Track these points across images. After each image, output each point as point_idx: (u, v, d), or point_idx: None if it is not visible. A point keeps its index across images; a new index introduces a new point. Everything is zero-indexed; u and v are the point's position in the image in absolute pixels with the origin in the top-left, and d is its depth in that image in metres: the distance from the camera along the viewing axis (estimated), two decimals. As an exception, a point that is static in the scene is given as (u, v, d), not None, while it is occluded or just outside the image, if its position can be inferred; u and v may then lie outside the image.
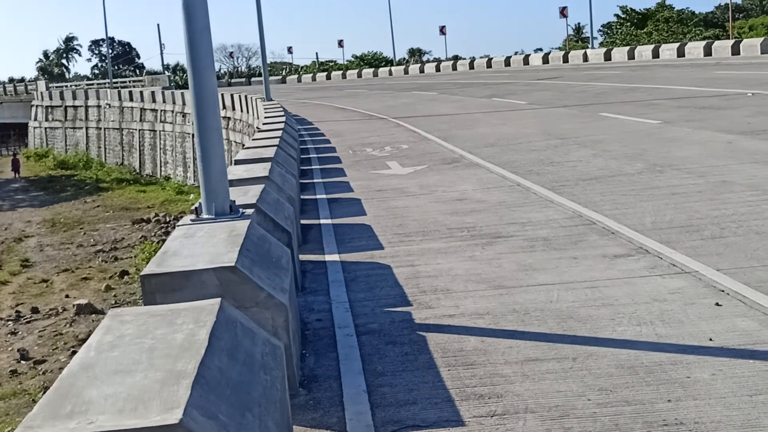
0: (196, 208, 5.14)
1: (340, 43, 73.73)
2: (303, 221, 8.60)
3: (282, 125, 13.85)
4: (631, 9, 63.62)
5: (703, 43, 41.13)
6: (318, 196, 10.35)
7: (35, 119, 62.33)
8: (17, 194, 44.20)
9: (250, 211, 5.34)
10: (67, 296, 20.76)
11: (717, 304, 4.94)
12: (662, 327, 4.66)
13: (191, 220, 5.06)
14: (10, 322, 18.03)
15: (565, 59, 49.19)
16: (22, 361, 15.14)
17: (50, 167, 52.43)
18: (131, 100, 50.19)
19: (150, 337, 2.73)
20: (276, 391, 2.90)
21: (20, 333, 17.23)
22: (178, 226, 4.95)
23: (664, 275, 5.63)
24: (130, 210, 35.15)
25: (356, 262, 6.77)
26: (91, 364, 2.49)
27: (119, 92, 53.29)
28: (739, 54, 36.43)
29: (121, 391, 2.28)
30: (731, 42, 38.56)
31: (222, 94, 34.76)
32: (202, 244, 4.36)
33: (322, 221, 8.69)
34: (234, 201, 5.27)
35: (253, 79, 71.85)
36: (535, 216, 7.94)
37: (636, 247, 6.45)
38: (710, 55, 38.24)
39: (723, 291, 5.16)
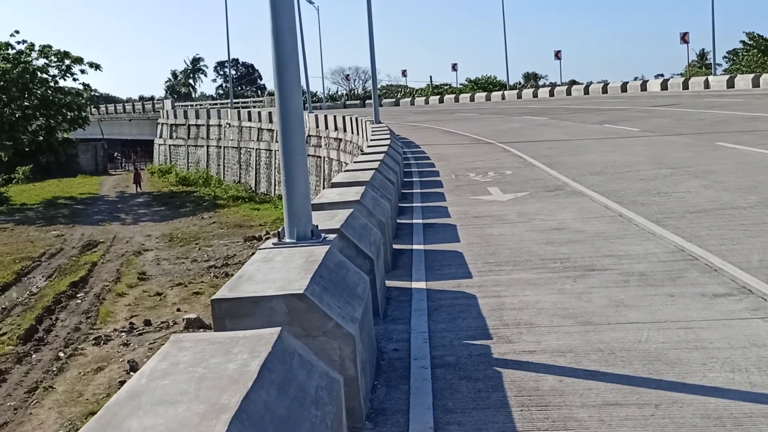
0: (279, 232, 5.22)
1: (454, 67, 74.01)
2: (396, 246, 8.59)
3: (386, 148, 13.96)
4: (758, 35, 60.81)
5: (835, 71, 38.77)
6: (414, 221, 10.33)
7: (160, 136, 65.46)
8: (140, 209, 46.42)
9: (332, 236, 5.37)
10: (178, 310, 21.56)
11: (821, 353, 4.57)
12: (758, 375, 4.35)
13: (273, 243, 5.13)
14: (123, 334, 18.87)
15: (685, 86, 47.42)
16: (131, 373, 15.81)
17: (172, 183, 54.88)
18: (250, 120, 51.97)
19: (203, 366, 2.76)
20: (325, 427, 2.86)
21: (132, 344, 18.00)
22: (259, 249, 5.03)
23: (767, 318, 5.27)
24: (243, 227, 36.23)
25: (442, 291, 6.69)
26: (139, 392, 2.54)
27: (239, 112, 55.28)
28: None
29: (161, 423, 2.30)
30: None
31: (335, 116, 35.51)
32: (278, 270, 4.41)
33: (415, 247, 8.65)
34: (317, 225, 5.31)
35: (367, 101, 72.94)
36: (634, 249, 7.63)
37: (739, 286, 6.08)
38: (842, 84, 35.98)
39: (831, 340, 4.78)
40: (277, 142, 35.73)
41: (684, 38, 51.77)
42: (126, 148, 77.75)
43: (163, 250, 32.17)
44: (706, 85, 45.66)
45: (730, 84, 43.80)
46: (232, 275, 17.76)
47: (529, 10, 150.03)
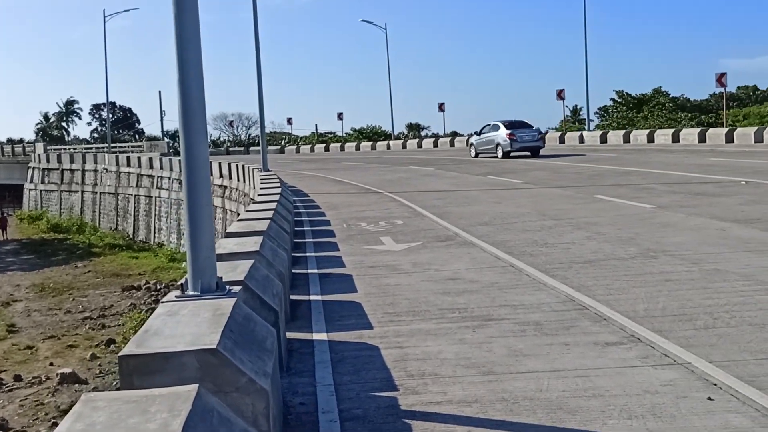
0: (181, 284, 5.07)
1: (340, 116, 74.57)
2: (293, 296, 8.50)
3: (277, 197, 13.88)
4: (627, 93, 64.83)
5: (698, 129, 41.73)
6: (310, 271, 10.27)
7: (31, 181, 62.56)
8: (8, 257, 43.97)
9: (237, 288, 5.27)
10: (51, 364, 20.40)
11: (709, 398, 4.83)
12: (653, 421, 4.54)
13: (176, 296, 4.98)
14: (-9, 389, 17.66)
15: (562, 140, 49.75)
16: None
17: (43, 230, 52.36)
18: (129, 165, 50.50)
19: (122, 426, 2.63)
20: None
21: (1, 401, 16.85)
22: (162, 302, 4.87)
23: (657, 366, 5.53)
24: (121, 276, 34.92)
25: (344, 342, 6.65)
26: (57, 457, 2.38)
27: (117, 157, 53.65)
28: (733, 141, 36.93)
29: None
30: (725, 130, 39.15)
31: (220, 163, 35.03)
32: (186, 324, 4.28)
33: (312, 297, 8.59)
34: (221, 278, 5.20)
35: (251, 148, 72.50)
36: (528, 299, 7.86)
37: (628, 335, 6.37)
38: (705, 141, 38.77)
39: (716, 384, 5.06)
40: (158, 188, 34.89)
41: (560, 95, 54.46)
42: (-9, 193, 73.81)
43: (33, 301, 30.52)
44: (581, 139, 48.06)
45: (603, 139, 46.32)
46: (111, 327, 17.06)
47: (413, 62, 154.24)
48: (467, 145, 41.42)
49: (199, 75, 5.16)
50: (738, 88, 79.50)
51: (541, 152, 34.47)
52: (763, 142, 35.54)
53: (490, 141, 35.54)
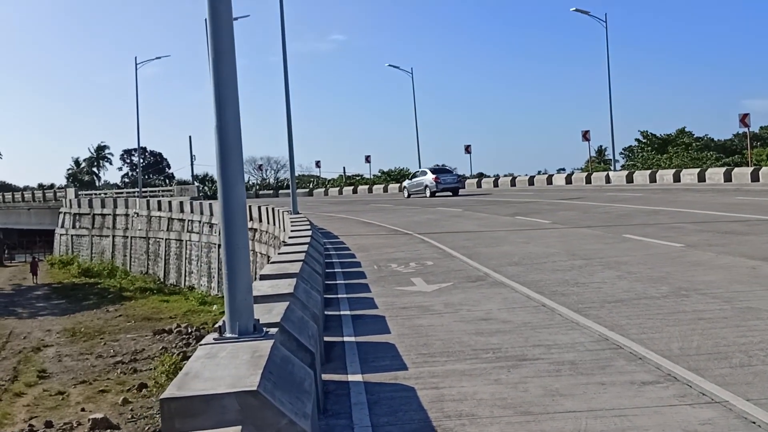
0: (219, 326, 5.16)
1: (367, 159, 74.84)
2: (326, 338, 8.56)
3: (308, 239, 14.00)
4: (651, 134, 64.76)
5: (724, 169, 41.49)
6: (342, 313, 10.33)
7: (62, 226, 63.50)
8: (38, 302, 44.48)
9: (274, 330, 5.35)
10: (83, 410, 20.53)
11: (750, 437, 4.80)
12: (694, 461, 4.52)
13: (214, 339, 5.07)
14: (22, 436, 17.80)
15: (588, 180, 49.66)
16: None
17: (74, 275, 52.93)
18: (159, 209, 51.14)
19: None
20: None
21: (34, 446, 16.97)
22: (200, 345, 4.96)
23: (694, 405, 5.50)
24: (152, 320, 35.16)
25: (380, 383, 6.69)
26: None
27: (148, 201, 54.37)
28: (758, 180, 36.64)
29: None
30: (751, 169, 38.85)
31: (249, 206, 35.39)
32: (225, 366, 4.35)
33: (346, 339, 8.64)
34: (258, 320, 5.28)
35: (280, 191, 73.05)
36: (561, 338, 7.86)
37: (664, 374, 6.34)
38: (730, 180, 38.50)
39: (754, 423, 5.03)
40: (188, 232, 35.18)
41: (585, 136, 54.45)
42: (23, 238, 74.87)
43: (64, 346, 30.80)
44: (608, 179, 47.92)
45: (629, 179, 46.15)
46: (142, 371, 17.27)
47: (440, 104, 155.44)
48: (400, 190, 49.52)
49: (236, 116, 5.31)
50: (761, 128, 79.04)
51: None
52: (790, 180, 35.22)
53: (420, 183, 44.43)
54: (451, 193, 42.82)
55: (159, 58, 75.04)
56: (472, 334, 8.32)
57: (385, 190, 65.84)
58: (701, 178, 40.70)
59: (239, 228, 5.27)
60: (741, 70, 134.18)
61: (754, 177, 37.23)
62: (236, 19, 52.71)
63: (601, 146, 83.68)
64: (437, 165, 50.31)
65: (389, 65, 77.12)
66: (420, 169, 47.34)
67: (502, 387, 6.27)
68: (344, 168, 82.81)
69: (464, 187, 44.95)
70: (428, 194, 42.82)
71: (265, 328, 5.33)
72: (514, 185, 55.35)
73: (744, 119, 41.37)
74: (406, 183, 47.83)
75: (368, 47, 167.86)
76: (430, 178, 43.58)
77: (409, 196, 45.31)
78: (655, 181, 43.79)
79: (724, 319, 8.18)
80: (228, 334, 5.16)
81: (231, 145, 5.28)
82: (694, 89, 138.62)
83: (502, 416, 5.54)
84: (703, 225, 18.12)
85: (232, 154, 5.27)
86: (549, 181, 53.95)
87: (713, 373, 6.23)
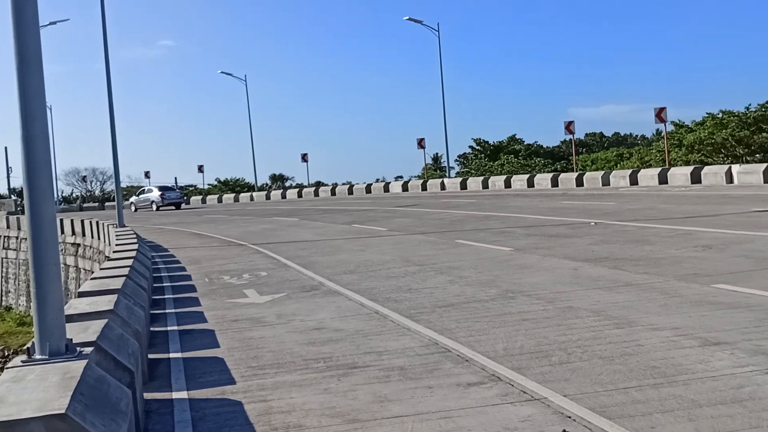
0: (28, 348, 4.77)
1: (200, 168, 73.00)
2: (151, 356, 8.18)
3: (133, 253, 13.38)
4: (484, 141, 67.58)
5: (551, 174, 43.98)
6: (170, 328, 9.92)
7: None
8: None
9: (88, 349, 5.01)
10: None
11: (564, 431, 5.00)
12: (515, 458, 4.65)
13: (22, 361, 4.68)
14: None
15: (424, 187, 51.08)
16: None
17: None
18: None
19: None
20: None
21: None
22: (6, 368, 4.55)
23: (515, 403, 5.69)
24: (-34, 343, 32.43)
25: (206, 399, 6.44)
26: None
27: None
28: (583, 185, 39.14)
29: None
30: (576, 174, 41.45)
31: (72, 220, 33.52)
32: (32, 389, 4.01)
33: (172, 355, 8.29)
34: (71, 339, 4.93)
35: (107, 203, 69.86)
36: (392, 344, 7.92)
37: (489, 374, 6.52)
38: (557, 186, 40.88)
39: (570, 417, 5.26)
40: (5, 248, 32.70)
41: (421, 144, 55.96)
42: None
43: None
44: (443, 186, 49.50)
45: (464, 185, 47.91)
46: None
47: (276, 113, 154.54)
48: (129, 204, 52.88)
49: (44, 129, 4.95)
50: (586, 135, 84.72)
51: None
52: (609, 185, 37.85)
53: (147, 199, 51.49)
54: (174, 207, 50.49)
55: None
56: (304, 345, 8.23)
57: (220, 200, 64.65)
58: (530, 183, 42.93)
59: (49, 244, 4.90)
60: (567, 81, 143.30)
61: (579, 182, 39.72)
62: (55, 23, 49.30)
63: (437, 154, 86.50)
64: (165, 184, 59.13)
65: (222, 72, 75.88)
66: (147, 187, 55.42)
67: (331, 396, 6.22)
68: (176, 178, 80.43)
69: (188, 203, 56.47)
70: (155, 208, 50.09)
71: (79, 348, 4.99)
72: (352, 193, 55.99)
73: (569, 127, 44.06)
74: (133, 199, 53.94)
75: (199, 54, 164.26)
76: (156, 194, 51.05)
77: (136, 210, 51.36)
78: (488, 187, 45.72)
79: (547, 319, 8.56)
80: (38, 356, 4.79)
81: (39, 158, 4.92)
82: (525, 99, 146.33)
83: (330, 425, 5.48)
84: (531, 229, 19.03)
85: (40, 167, 4.92)
86: (386, 188, 55.00)
87: (534, 371, 6.48)
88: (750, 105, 44.24)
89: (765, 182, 29.92)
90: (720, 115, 44.91)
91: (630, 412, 5.25)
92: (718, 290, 9.40)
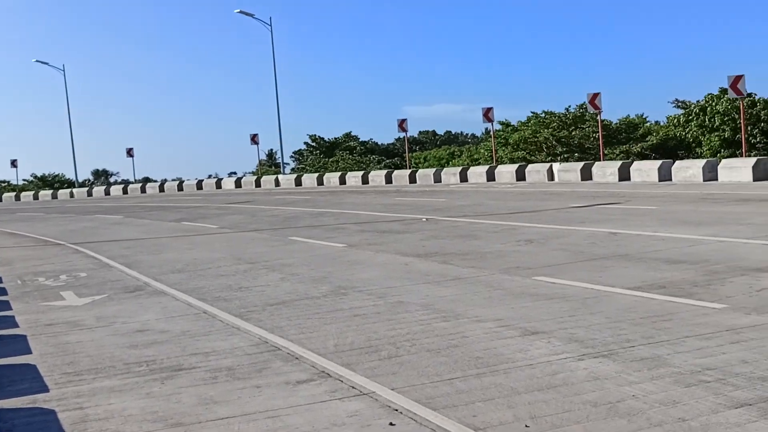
0: None
1: (14, 163, 68.07)
2: (-49, 365, 7.45)
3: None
4: (319, 137, 67.75)
5: (385, 171, 44.84)
6: (-25, 335, 9.11)
7: None
8: None
9: None
10: None
11: (391, 423, 5.03)
12: (342, 454, 4.60)
13: None
14: None
15: (258, 183, 50.47)
16: None
17: None
18: None
19: None
20: None
21: None
22: None
23: (344, 398, 5.66)
24: None
25: (15, 409, 5.93)
26: None
27: None
28: (416, 182, 40.18)
29: None
30: (409, 171, 42.50)
31: None
32: None
33: (-24, 364, 7.59)
34: None
35: None
36: (220, 345, 7.69)
37: (319, 371, 6.46)
38: (391, 182, 41.70)
39: (397, 410, 5.29)
40: None
41: (254, 139, 55.24)
42: None
43: None
44: (277, 183, 49.12)
45: (298, 182, 47.79)
46: None
47: (98, 106, 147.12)
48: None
49: None
50: (420, 132, 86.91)
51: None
52: (441, 182, 39.12)
53: None
54: None
55: None
56: (126, 348, 7.80)
57: (36, 197, 60.74)
58: (365, 180, 43.52)
59: None
60: (401, 79, 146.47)
61: (412, 179, 40.75)
62: None
63: (271, 150, 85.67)
64: None
65: (37, 61, 71.25)
66: None
67: (154, 400, 5.92)
68: (-16, 174, 74.58)
69: None
70: None
71: None
72: (182, 190, 54.43)
73: (402, 124, 45.04)
74: None
75: (12, 41, 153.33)
76: None
77: None
78: (323, 184, 45.89)
79: (378, 314, 8.62)
80: None
81: None
82: (360, 96, 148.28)
83: (151, 431, 5.20)
84: (365, 225, 19.24)
85: None
86: (218, 185, 53.91)
87: (364, 366, 6.48)
88: (569, 106, 47.25)
89: (582, 179, 32.05)
90: (543, 115, 47.61)
91: (454, 402, 5.36)
92: (538, 282, 9.88)
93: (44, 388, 6.49)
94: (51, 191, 62.38)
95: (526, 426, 4.80)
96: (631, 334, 6.96)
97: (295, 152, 74.36)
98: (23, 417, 5.73)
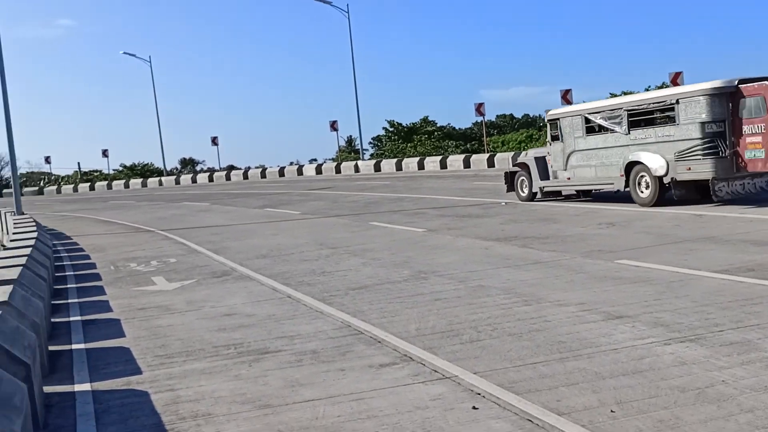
0: None
1: (105, 153, 70.68)
2: (52, 347, 7.86)
3: (32, 241, 12.82)
4: (398, 123, 67.77)
5: (463, 156, 44.56)
6: (72, 319, 9.56)
7: None
8: None
9: (-22, 343, 4.74)
10: None
11: (474, 407, 5.05)
12: (425, 437, 4.66)
13: None
14: None
15: (338, 170, 50.94)
16: None
17: None
18: None
19: None
20: None
21: None
22: None
23: (426, 382, 5.70)
24: None
25: (110, 391, 6.22)
26: None
27: None
28: (494, 166, 39.78)
29: None
30: (487, 155, 42.11)
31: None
32: None
33: (75, 347, 7.98)
34: (-42, 333, 4.65)
35: (5, 190, 66.88)
36: (305, 328, 7.84)
37: (401, 355, 6.53)
38: (469, 167, 41.43)
39: (479, 394, 5.30)
40: None
41: (333, 126, 55.71)
42: None
43: None
44: (357, 169, 49.46)
45: (377, 168, 48.00)
46: None
47: (184, 96, 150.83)
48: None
49: None
50: (497, 116, 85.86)
51: None
52: (519, 165, 38.50)
53: None
54: None
55: None
56: (214, 331, 8.06)
57: (127, 185, 62.88)
58: (443, 165, 43.35)
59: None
60: (477, 63, 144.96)
61: (490, 163, 40.36)
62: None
63: (350, 136, 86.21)
64: None
65: (124, 53, 73.47)
66: None
67: (242, 382, 6.10)
68: (79, 164, 77.54)
69: None
70: None
71: (-33, 342, 4.71)
72: (265, 177, 55.42)
73: (479, 108, 44.69)
74: None
75: (101, 33, 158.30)
76: None
77: None
78: (402, 169, 45.95)
79: (458, 298, 8.63)
80: None
81: None
82: (437, 81, 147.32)
83: (240, 412, 5.37)
84: (444, 210, 19.22)
85: None
86: (300, 171, 54.65)
87: (446, 350, 6.52)
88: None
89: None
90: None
91: (537, 387, 5.34)
92: (621, 265, 9.69)
93: (137, 371, 6.77)
94: (141, 180, 64.49)
95: (612, 411, 4.74)
96: (719, 318, 6.76)
97: (374, 138, 74.59)
98: (117, 398, 6.00)
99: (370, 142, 75.29)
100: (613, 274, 9.24)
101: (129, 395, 6.03)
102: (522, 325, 7.12)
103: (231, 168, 68.46)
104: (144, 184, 62.12)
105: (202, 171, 74.04)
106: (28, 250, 10.87)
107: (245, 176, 57.64)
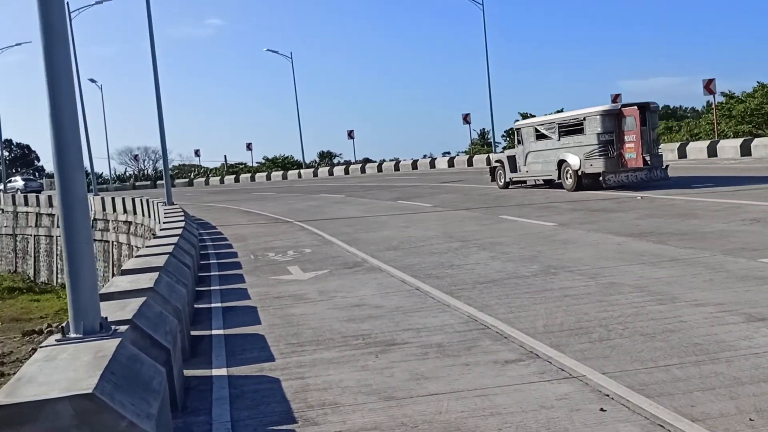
0: (63, 327, 4.85)
1: (249, 146, 73.67)
2: (194, 332, 8.30)
3: (180, 230, 13.56)
4: (531, 115, 66.57)
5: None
6: (213, 305, 10.05)
7: None
8: None
9: (123, 328, 5.08)
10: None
11: (602, 409, 4.92)
12: (549, 437, 4.59)
13: (56, 340, 4.76)
14: None
15: (470, 163, 50.68)
16: None
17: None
18: (26, 204, 48.56)
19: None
20: None
21: None
22: (40, 347, 4.64)
23: (553, 381, 5.61)
24: (22, 321, 33.36)
25: (245, 376, 6.51)
26: None
27: (13, 197, 51.51)
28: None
29: None
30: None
31: (123, 198, 34.17)
32: (63, 368, 4.08)
33: (214, 332, 8.39)
34: (106, 318, 5.00)
35: (158, 182, 70.85)
36: (431, 321, 7.89)
37: (527, 351, 6.45)
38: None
39: (608, 395, 5.17)
40: (58, 227, 33.53)
41: (466, 119, 55.48)
42: None
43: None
44: (488, 161, 48.98)
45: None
46: (10, 375, 16.26)
47: (322, 90, 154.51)
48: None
49: (72, 108, 4.98)
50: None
51: None
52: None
53: (13, 187, 61.66)
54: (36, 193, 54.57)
55: (19, 44, 71.23)
56: (344, 321, 8.25)
57: (269, 177, 65.10)
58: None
59: (80, 222, 4.95)
60: (614, 53, 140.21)
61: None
62: (101, 2, 49.52)
63: (483, 129, 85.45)
64: (28, 174, 74.42)
65: (268, 50, 75.99)
66: (14, 177, 68.74)
67: (368, 373, 6.22)
68: (225, 156, 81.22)
69: (43, 188, 63.18)
70: (19, 193, 55.95)
71: (115, 326, 5.06)
72: (398, 170, 55.89)
73: (616, 100, 43.20)
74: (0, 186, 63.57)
75: (246, 32, 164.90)
76: (21, 182, 63.93)
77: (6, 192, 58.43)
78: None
79: (588, 295, 8.42)
80: (72, 335, 4.86)
81: (67, 133, 4.95)
82: (571, 71, 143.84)
83: (366, 402, 5.49)
84: (576, 203, 18.76)
85: (69, 143, 4.95)
86: (432, 164, 54.74)
87: (573, 348, 6.38)
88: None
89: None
90: (771, 85, 43.51)
91: (670, 390, 5.14)
92: (765, 265, 9.14)
93: (270, 358, 7.04)
94: (281, 172, 66.64)
95: (750, 419, 4.50)
96: None
97: (507, 131, 73.62)
98: (251, 384, 6.26)
99: (503, 135, 74.40)
100: (756, 273, 8.73)
101: (262, 381, 6.29)
102: (655, 325, 6.86)
103: (366, 161, 69.48)
104: (284, 177, 64.15)
105: (338, 164, 75.60)
106: (175, 239, 11.51)
107: (379, 169, 58.38)
